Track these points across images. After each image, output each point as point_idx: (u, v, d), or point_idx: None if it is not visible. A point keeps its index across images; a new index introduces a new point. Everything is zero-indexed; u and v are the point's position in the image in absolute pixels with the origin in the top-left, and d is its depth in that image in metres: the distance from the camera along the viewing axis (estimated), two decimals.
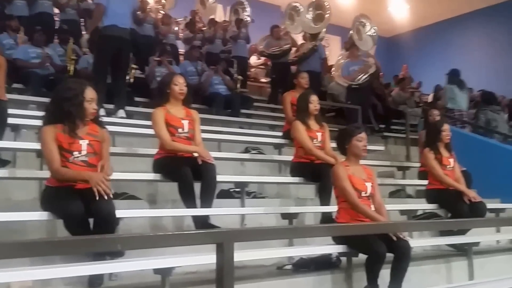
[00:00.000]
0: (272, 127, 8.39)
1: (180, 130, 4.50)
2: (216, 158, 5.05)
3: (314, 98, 5.42)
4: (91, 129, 3.70)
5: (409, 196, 6.74)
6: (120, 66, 6.80)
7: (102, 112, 6.29)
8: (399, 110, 10.55)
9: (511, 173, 7.13)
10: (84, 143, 3.60)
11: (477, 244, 5.01)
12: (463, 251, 5.05)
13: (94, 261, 3.23)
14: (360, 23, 9.13)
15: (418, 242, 5.13)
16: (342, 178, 4.02)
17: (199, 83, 8.66)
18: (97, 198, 3.36)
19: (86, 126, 3.67)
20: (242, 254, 3.63)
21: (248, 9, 11.82)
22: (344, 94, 9.50)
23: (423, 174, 6.17)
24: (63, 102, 3.55)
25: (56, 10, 9.50)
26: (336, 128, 8.73)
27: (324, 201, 4.96)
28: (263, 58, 12.62)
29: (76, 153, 3.56)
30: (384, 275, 3.91)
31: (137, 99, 7.86)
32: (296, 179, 5.42)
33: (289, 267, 4.19)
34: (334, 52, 15.07)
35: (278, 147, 6.77)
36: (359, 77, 8.77)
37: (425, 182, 5.81)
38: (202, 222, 4.21)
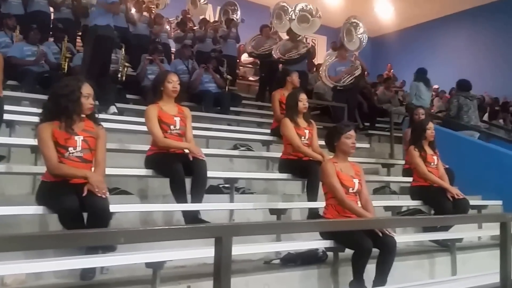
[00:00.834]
0: (260, 124, 8.47)
1: (172, 127, 4.57)
2: (205, 155, 5.11)
3: (303, 97, 5.50)
4: (86, 125, 3.75)
5: (393, 193, 6.83)
6: (105, 63, 6.88)
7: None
8: (384, 108, 10.69)
9: (492, 170, 7.26)
10: (79, 139, 3.65)
11: (460, 240, 5.11)
12: (446, 246, 5.16)
13: (86, 255, 3.29)
14: (351, 24, 9.17)
15: (402, 238, 5.20)
16: (330, 174, 4.11)
17: (190, 81, 8.71)
18: (85, 193, 3.43)
19: (82, 123, 3.73)
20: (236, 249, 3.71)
21: (238, 10, 11.88)
22: (330, 93, 9.58)
23: (408, 171, 6.29)
24: (61, 98, 3.61)
25: (52, 9, 9.52)
26: (321, 126, 8.86)
27: (312, 197, 5.05)
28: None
29: (71, 149, 3.62)
30: (370, 270, 3.99)
31: (128, 96, 7.90)
32: (283, 176, 5.50)
33: (276, 261, 4.26)
34: (320, 52, 15.18)
35: (266, 144, 6.85)
36: (345, 78, 8.84)
37: (409, 179, 5.91)
38: (192, 217, 4.28)
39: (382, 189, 6.82)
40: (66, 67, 7.64)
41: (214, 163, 5.82)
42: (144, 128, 4.74)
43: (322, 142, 6.03)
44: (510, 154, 7.32)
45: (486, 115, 12.68)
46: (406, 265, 4.68)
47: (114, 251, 3.36)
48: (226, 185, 5.20)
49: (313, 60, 11.88)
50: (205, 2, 11.87)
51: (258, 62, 11.52)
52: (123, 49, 8.09)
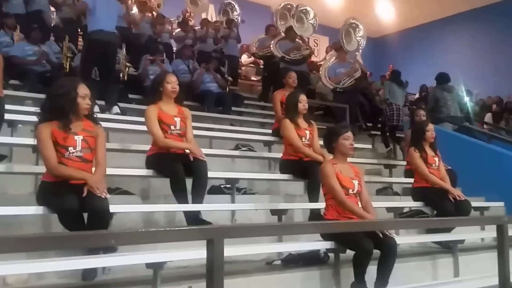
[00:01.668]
0: (262, 125, 8.47)
1: (172, 127, 4.58)
2: (207, 155, 5.11)
3: (303, 98, 5.49)
4: (85, 125, 3.76)
5: (396, 194, 6.83)
6: (107, 66, 6.88)
7: (96, 109, 6.34)
8: None
9: (495, 172, 7.25)
10: (78, 139, 3.66)
11: (462, 241, 5.10)
12: (448, 248, 5.13)
13: (88, 255, 3.29)
14: (350, 25, 9.16)
15: (405, 239, 5.22)
16: (329, 176, 4.11)
17: (191, 81, 8.72)
18: (85, 194, 3.45)
19: (81, 122, 3.73)
20: (232, 249, 3.71)
21: (237, 8, 11.86)
22: (331, 94, 9.58)
23: (409, 172, 6.27)
24: (57, 98, 3.62)
25: (53, 9, 9.55)
26: (324, 126, 8.83)
27: (313, 198, 5.04)
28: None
29: (71, 149, 3.62)
30: (371, 271, 3.99)
31: (131, 96, 7.91)
32: (285, 176, 5.49)
33: (278, 262, 4.26)
34: (322, 52, 15.16)
35: (268, 144, 6.85)
36: (344, 80, 8.84)
37: (411, 180, 5.90)
38: (193, 218, 4.28)
39: (385, 190, 6.80)
40: (68, 66, 7.68)
41: (216, 163, 5.83)
42: None
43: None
44: None
45: (489, 116, 12.68)
46: (409, 267, 4.67)
47: (115, 251, 3.36)
48: (228, 186, 5.20)
49: (314, 60, 11.83)
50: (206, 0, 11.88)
51: (260, 62, 11.51)
52: (123, 49, 8.10)
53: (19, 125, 5.28)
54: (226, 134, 6.88)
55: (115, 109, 6.66)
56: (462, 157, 7.31)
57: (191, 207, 4.33)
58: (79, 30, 9.29)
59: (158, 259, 3.23)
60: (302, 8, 9.32)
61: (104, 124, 5.51)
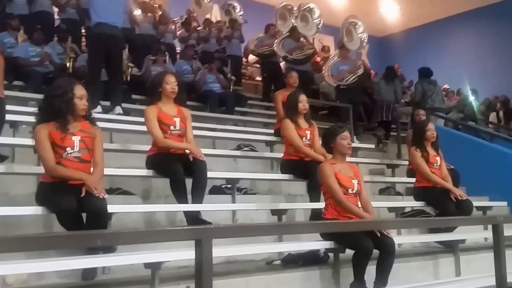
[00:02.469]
0: (266, 125, 8.47)
1: (172, 127, 4.59)
2: (210, 155, 5.12)
3: (303, 98, 5.48)
4: (83, 126, 3.78)
5: (398, 194, 6.82)
6: (112, 63, 6.85)
7: (99, 109, 6.38)
8: None
9: (499, 171, 7.23)
10: (76, 139, 3.68)
11: (463, 241, 5.09)
12: (451, 247, 5.12)
13: (87, 255, 3.31)
14: (350, 23, 9.17)
15: (406, 238, 5.23)
16: (328, 175, 4.11)
17: (194, 81, 8.74)
18: (83, 194, 3.47)
19: (78, 123, 3.76)
20: (232, 249, 3.73)
21: (238, 7, 11.87)
22: (335, 93, 9.59)
23: (411, 172, 6.27)
24: (54, 99, 3.65)
25: (56, 9, 9.57)
26: (328, 126, 8.82)
27: (313, 197, 5.04)
28: None
29: (69, 149, 3.65)
30: (371, 271, 3.99)
31: (134, 96, 7.93)
32: (287, 176, 5.49)
33: (278, 262, 4.27)
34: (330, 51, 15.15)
35: (270, 144, 6.85)
36: (348, 77, 8.85)
37: (413, 180, 5.89)
38: (193, 218, 4.30)
39: (387, 190, 6.80)
40: (71, 67, 7.72)
41: (219, 163, 5.85)
42: None
43: None
44: None
45: (494, 116, 12.65)
46: (410, 266, 4.68)
47: (114, 251, 3.38)
48: (229, 186, 5.21)
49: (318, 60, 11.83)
50: (209, 1, 11.89)
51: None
52: (126, 49, 8.13)
53: (23, 126, 5.31)
54: (229, 135, 6.89)
55: (118, 109, 6.67)
56: (466, 156, 7.30)
57: (191, 207, 4.35)
58: (82, 31, 9.34)
59: (155, 259, 3.24)
60: (305, 6, 9.32)
61: (107, 124, 5.60)
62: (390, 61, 16.07)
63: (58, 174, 3.60)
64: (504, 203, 6.60)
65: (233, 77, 9.58)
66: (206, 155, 4.71)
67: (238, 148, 6.59)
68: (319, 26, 9.49)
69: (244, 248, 3.79)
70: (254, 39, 10.93)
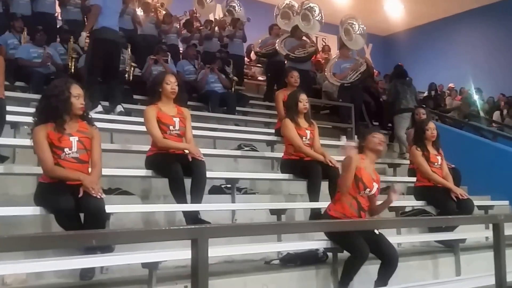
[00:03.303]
0: (267, 125, 8.47)
1: (171, 127, 4.60)
2: (211, 155, 5.12)
3: (303, 97, 5.45)
4: (80, 126, 3.80)
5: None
6: (112, 65, 6.91)
7: (100, 108, 6.40)
8: None
9: (501, 170, 7.21)
10: (74, 140, 3.70)
11: (463, 240, 5.08)
12: (451, 247, 5.11)
13: (85, 255, 3.33)
14: (348, 23, 9.18)
15: (407, 238, 5.22)
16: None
17: (196, 81, 8.76)
18: (81, 194, 3.49)
19: (76, 124, 3.77)
20: (231, 249, 3.74)
21: (240, 7, 11.87)
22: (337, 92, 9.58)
23: (413, 171, 6.25)
24: (50, 99, 3.67)
25: (58, 9, 9.61)
26: (330, 125, 8.83)
27: (313, 197, 5.04)
28: None
29: (67, 150, 3.66)
30: (371, 270, 4.00)
31: (135, 96, 7.94)
32: (286, 176, 5.49)
33: (276, 261, 4.27)
34: (331, 51, 15.14)
35: (270, 144, 6.84)
36: (351, 75, 8.84)
37: (414, 179, 5.88)
38: (192, 218, 4.30)
39: (388, 189, 6.76)
40: (73, 67, 7.73)
41: (219, 163, 5.85)
42: None
43: (324, 142, 6.05)
44: None
45: (498, 114, 12.61)
46: (410, 266, 4.67)
47: (112, 251, 3.39)
48: (228, 186, 5.22)
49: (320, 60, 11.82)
50: (212, 0, 11.89)
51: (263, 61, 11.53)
52: (129, 49, 8.15)
53: (24, 126, 5.33)
54: (230, 134, 6.90)
55: (119, 107, 6.70)
56: (468, 155, 7.28)
57: (190, 207, 4.35)
58: None
59: (153, 258, 3.26)
60: (306, 5, 9.32)
61: (107, 125, 5.61)
62: (394, 60, 16.06)
63: (56, 174, 3.62)
64: (506, 202, 6.57)
65: (235, 78, 9.57)
66: (206, 155, 4.72)
67: (239, 148, 6.60)
68: (322, 22, 9.46)
69: (241, 248, 3.79)
70: (258, 42, 10.93)
